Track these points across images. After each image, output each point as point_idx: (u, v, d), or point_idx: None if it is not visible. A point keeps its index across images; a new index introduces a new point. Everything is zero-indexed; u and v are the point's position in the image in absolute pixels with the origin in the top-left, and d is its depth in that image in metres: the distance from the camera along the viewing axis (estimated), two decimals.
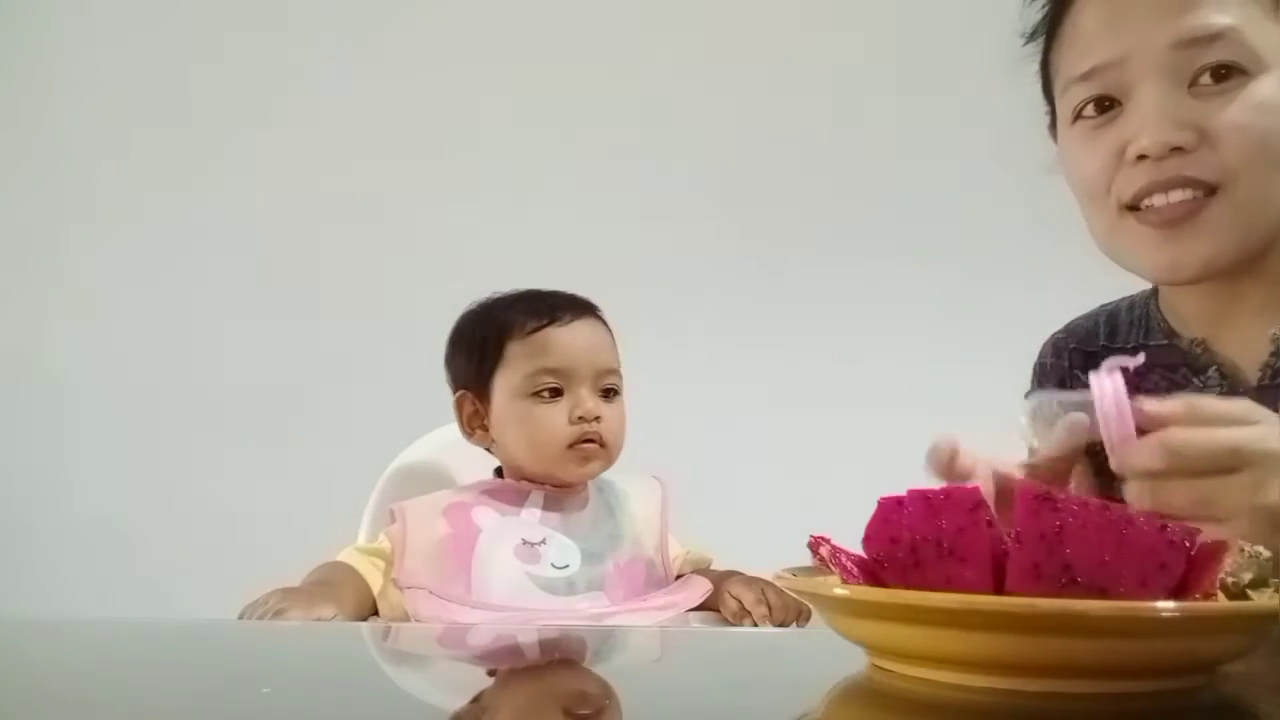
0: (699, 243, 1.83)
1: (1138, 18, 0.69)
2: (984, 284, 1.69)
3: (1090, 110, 0.72)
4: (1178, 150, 0.66)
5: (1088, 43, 0.72)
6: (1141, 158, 0.68)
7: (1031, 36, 0.80)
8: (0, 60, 2.04)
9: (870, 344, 1.75)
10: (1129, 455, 0.47)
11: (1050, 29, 0.77)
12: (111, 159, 1.99)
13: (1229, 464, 0.45)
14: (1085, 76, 0.71)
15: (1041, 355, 0.89)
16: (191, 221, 1.96)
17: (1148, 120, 0.67)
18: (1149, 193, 0.68)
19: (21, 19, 2.04)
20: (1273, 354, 0.71)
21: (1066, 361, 0.86)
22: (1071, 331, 0.87)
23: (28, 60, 2.04)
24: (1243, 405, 0.49)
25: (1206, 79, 0.67)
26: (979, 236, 1.71)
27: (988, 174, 1.63)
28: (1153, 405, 0.49)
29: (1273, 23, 0.68)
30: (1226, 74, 0.67)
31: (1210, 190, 0.67)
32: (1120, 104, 0.70)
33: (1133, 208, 0.69)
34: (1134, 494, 0.46)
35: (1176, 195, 0.67)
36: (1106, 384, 0.52)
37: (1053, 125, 0.80)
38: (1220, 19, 0.67)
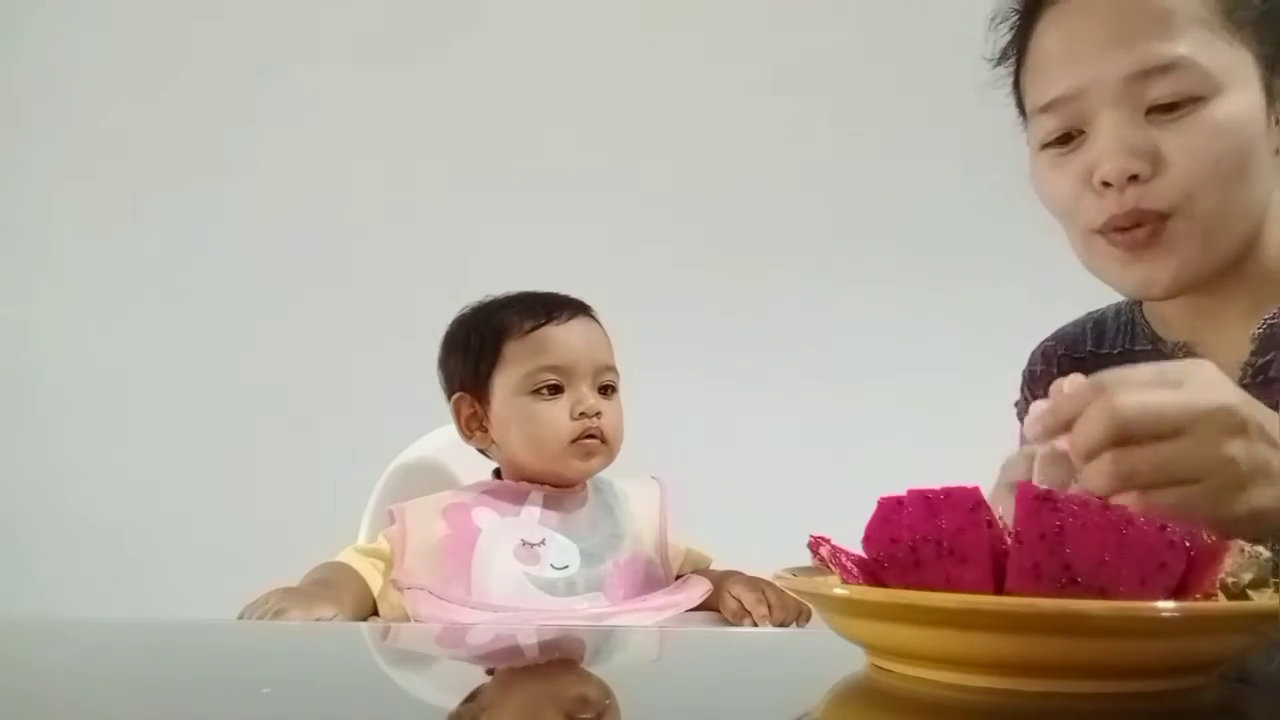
0: (698, 243, 1.83)
1: (1092, 50, 0.71)
2: (984, 285, 1.69)
3: (1054, 140, 0.74)
4: (1134, 179, 0.68)
5: (1048, 74, 0.74)
6: (1106, 185, 0.69)
7: (1001, 59, 0.82)
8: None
9: (870, 344, 1.75)
10: (1076, 437, 0.48)
11: (1018, 52, 0.79)
12: (107, 158, 1.99)
13: (1172, 426, 0.46)
14: (1047, 109, 0.73)
15: (1031, 363, 0.90)
16: (191, 221, 1.96)
17: (1108, 149, 0.69)
18: (1114, 226, 0.70)
19: (24, 18, 2.04)
20: (1253, 352, 0.73)
21: (1055, 369, 0.87)
22: (1060, 339, 0.89)
23: (26, 58, 2.04)
24: (1165, 368, 0.51)
25: (1162, 108, 0.69)
26: (978, 239, 1.71)
27: (987, 176, 1.63)
28: (1074, 383, 0.50)
29: (1223, 42, 0.69)
30: (1181, 101, 0.68)
31: (1160, 220, 0.69)
32: (1084, 132, 0.72)
33: (1100, 232, 0.71)
34: (1093, 473, 0.46)
35: (1140, 233, 0.69)
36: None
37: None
38: (1170, 49, 0.68)
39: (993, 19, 0.82)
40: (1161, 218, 0.69)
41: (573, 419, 1.04)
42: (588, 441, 1.05)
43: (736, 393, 1.77)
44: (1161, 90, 0.68)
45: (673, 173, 1.86)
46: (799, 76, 1.85)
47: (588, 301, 1.13)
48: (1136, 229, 0.69)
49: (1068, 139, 0.73)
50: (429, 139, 1.92)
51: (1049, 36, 0.74)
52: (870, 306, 1.78)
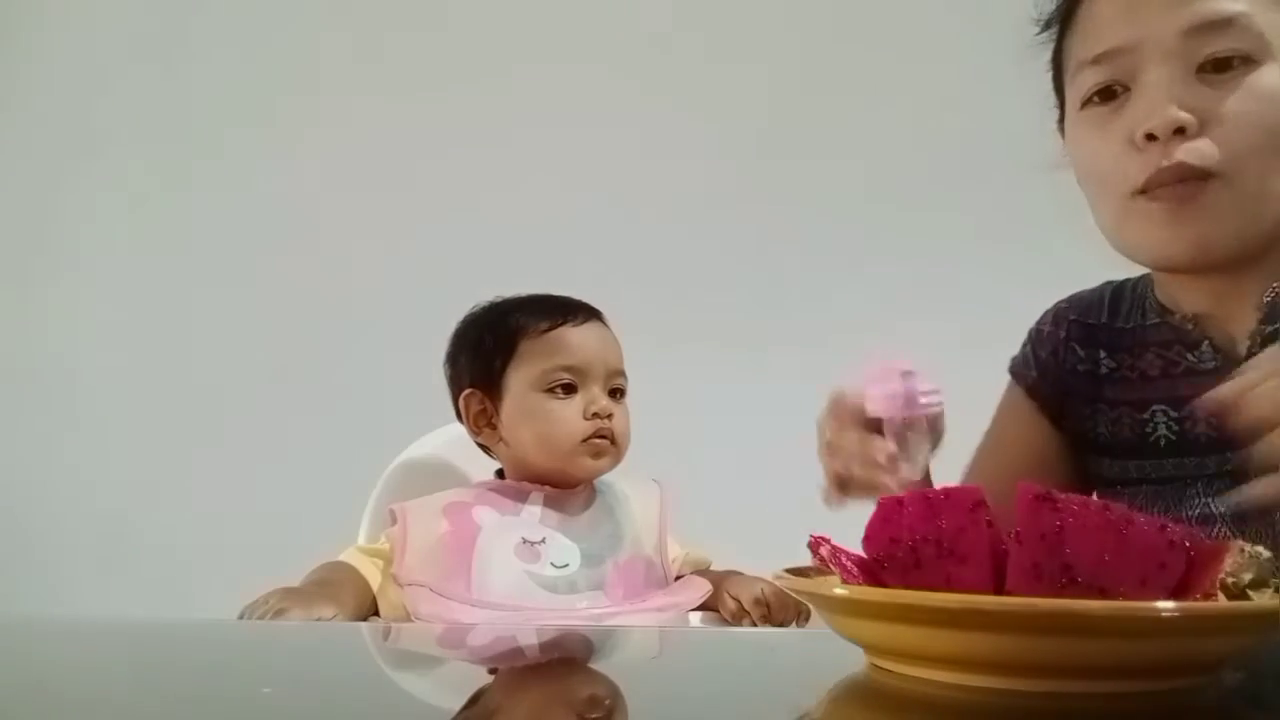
0: (697, 244, 1.83)
1: (1152, 4, 0.70)
2: (986, 285, 1.69)
3: (1097, 98, 0.73)
4: (1180, 133, 0.67)
5: (1101, 28, 0.73)
6: (1150, 138, 0.69)
7: (1047, 25, 0.81)
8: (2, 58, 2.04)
9: (870, 344, 1.75)
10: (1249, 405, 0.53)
11: (1065, 18, 0.78)
12: (107, 157, 1.99)
13: None
14: (1096, 60, 0.72)
15: (1040, 321, 0.90)
16: (193, 220, 1.96)
17: (1156, 101, 0.69)
18: (1159, 183, 0.69)
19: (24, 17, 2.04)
20: (1260, 320, 0.73)
21: (1064, 331, 0.86)
22: (1074, 302, 0.88)
23: (31, 54, 2.04)
24: None
25: (1214, 65, 0.68)
26: (980, 236, 1.71)
27: (989, 172, 1.63)
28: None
29: (1275, 8, 0.69)
30: (1234, 61, 0.68)
31: (1205, 177, 0.68)
32: (1128, 89, 0.71)
33: (1143, 191, 0.70)
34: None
35: (1182, 190, 0.68)
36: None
37: (1061, 120, 0.81)
38: (1232, 5, 0.68)
39: None
40: (1203, 177, 0.68)
41: (585, 419, 1.05)
42: (598, 441, 1.05)
43: (737, 393, 1.77)
44: (1216, 46, 0.68)
45: (674, 172, 1.86)
46: (799, 75, 1.84)
47: (590, 301, 1.13)
48: (1178, 185, 0.68)
49: (1110, 96, 0.72)
50: (429, 138, 1.92)
51: (1104, 1, 0.74)
52: (871, 306, 1.78)
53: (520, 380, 1.07)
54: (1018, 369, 0.90)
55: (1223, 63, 0.68)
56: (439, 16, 1.94)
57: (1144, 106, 0.69)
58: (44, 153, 2.02)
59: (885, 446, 0.70)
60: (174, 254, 1.96)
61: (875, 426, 0.72)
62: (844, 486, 0.73)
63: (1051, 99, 0.83)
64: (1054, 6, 0.80)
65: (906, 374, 0.71)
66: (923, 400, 0.71)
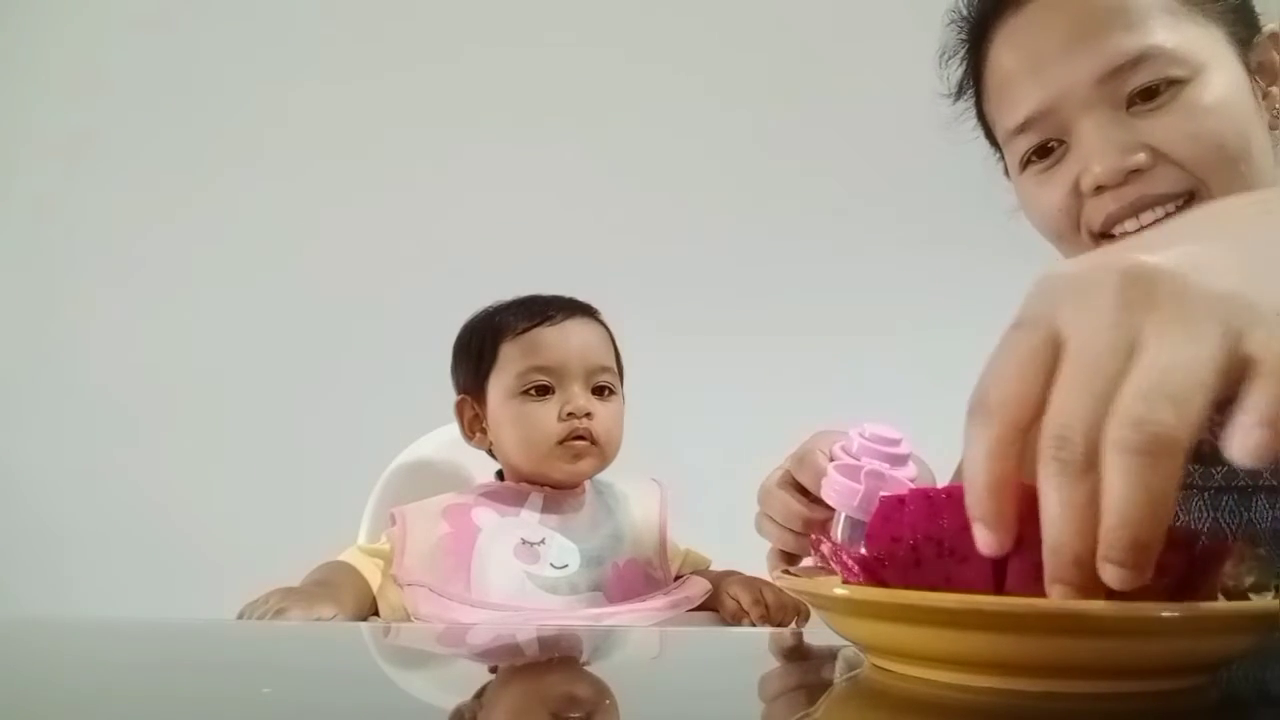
0: (698, 244, 1.83)
1: (1054, 58, 0.67)
2: (988, 284, 1.68)
3: (1035, 158, 0.71)
4: (1135, 174, 0.65)
5: (1014, 94, 0.70)
6: (1099, 189, 0.66)
7: (959, 93, 0.79)
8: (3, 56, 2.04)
9: (871, 344, 1.75)
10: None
11: (975, 83, 0.77)
12: (109, 156, 2.00)
13: None
14: (1022, 128, 0.70)
15: None
16: (192, 220, 1.96)
17: (1095, 151, 0.66)
18: (1119, 219, 0.67)
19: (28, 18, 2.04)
20: None
21: None
22: None
23: (32, 56, 2.04)
24: None
25: (1139, 100, 0.66)
26: (982, 234, 1.70)
27: (990, 168, 1.63)
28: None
29: (1191, 24, 0.66)
30: (1160, 88, 0.65)
31: (1183, 201, 0.65)
32: (1064, 142, 0.69)
33: (1107, 235, 0.68)
34: None
35: (1148, 216, 0.66)
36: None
37: (1007, 171, 0.79)
38: (1137, 40, 0.65)
39: (941, 55, 0.78)
40: (1178, 201, 0.65)
41: (561, 419, 1.04)
42: (576, 443, 1.04)
43: (738, 393, 1.77)
44: (1136, 80, 0.65)
45: (675, 171, 1.86)
46: (799, 74, 1.85)
47: (588, 301, 1.13)
48: (1147, 225, 0.65)
49: (1047, 152, 0.70)
50: (431, 138, 1.92)
51: (1005, 57, 0.71)
52: (873, 306, 1.78)
53: (499, 384, 1.07)
54: None
55: (1149, 91, 0.65)
56: (440, 13, 1.94)
57: (1084, 157, 0.67)
58: (44, 153, 2.02)
59: (825, 525, 0.68)
60: (174, 254, 1.96)
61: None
62: (789, 559, 0.73)
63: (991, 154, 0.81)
64: (960, 73, 0.78)
65: (874, 475, 0.67)
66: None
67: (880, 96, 1.82)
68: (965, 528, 0.38)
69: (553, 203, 1.88)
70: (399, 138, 1.93)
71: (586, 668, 0.55)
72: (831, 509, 0.68)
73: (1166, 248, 0.32)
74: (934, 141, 1.84)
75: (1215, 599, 0.39)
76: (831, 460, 0.68)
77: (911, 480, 0.67)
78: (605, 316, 1.13)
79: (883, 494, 0.66)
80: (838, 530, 0.68)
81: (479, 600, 0.97)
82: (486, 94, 1.92)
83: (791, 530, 0.72)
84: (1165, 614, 0.34)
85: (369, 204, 1.92)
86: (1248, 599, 0.40)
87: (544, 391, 1.05)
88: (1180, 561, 0.37)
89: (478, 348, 1.09)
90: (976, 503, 0.33)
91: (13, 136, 2.01)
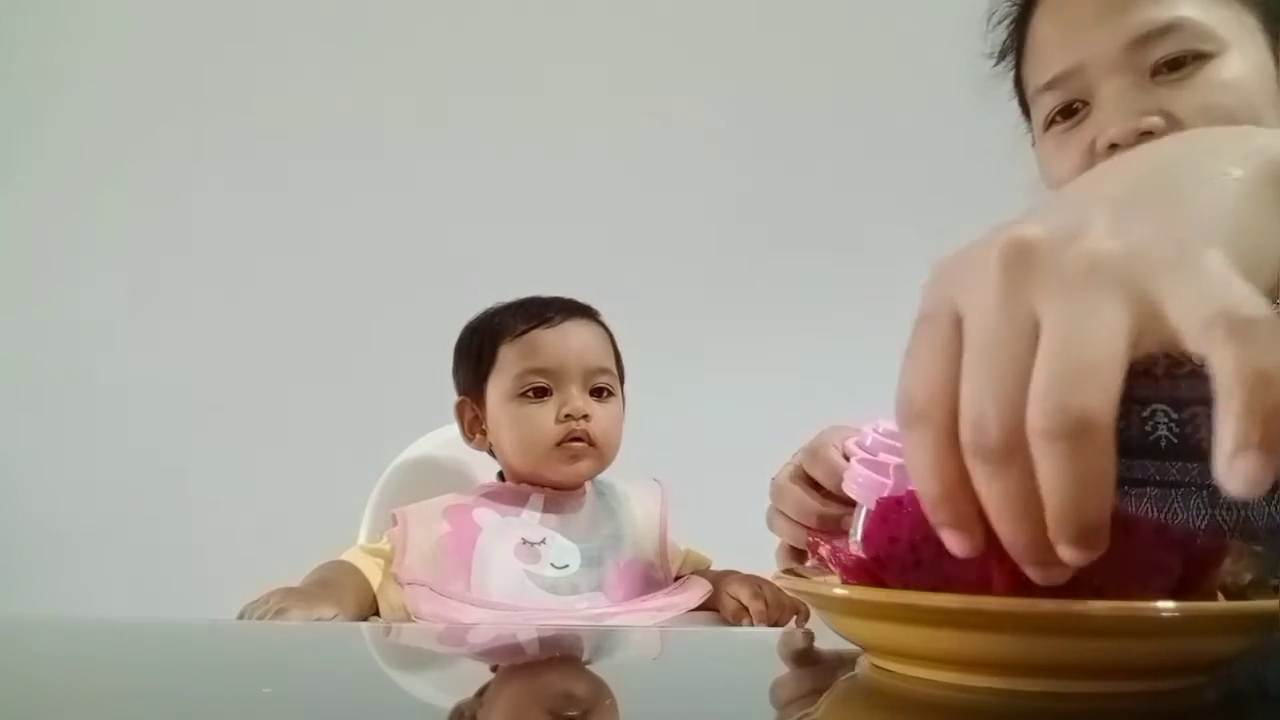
0: (699, 243, 1.83)
1: (1087, 25, 0.70)
2: None
3: (1059, 117, 0.73)
4: (1147, 135, 0.66)
5: (1046, 54, 0.73)
6: (1113, 148, 0.68)
7: (1001, 56, 0.81)
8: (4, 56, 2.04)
9: (871, 344, 1.75)
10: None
11: (1017, 45, 0.79)
12: (109, 156, 2.00)
13: None
14: (1049, 85, 0.72)
15: None
16: (192, 220, 1.96)
17: (1114, 112, 0.68)
18: None
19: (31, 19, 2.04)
20: None
21: None
22: None
23: (36, 58, 2.04)
24: None
25: (1165, 69, 0.68)
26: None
27: (994, 163, 1.63)
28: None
29: (1222, 3, 0.68)
30: (1185, 60, 0.67)
31: None
32: (1088, 104, 0.71)
33: None
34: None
35: None
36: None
37: (1034, 141, 0.81)
38: (1168, 12, 0.67)
39: (990, 17, 0.82)
40: None
41: (558, 421, 1.04)
42: (574, 445, 1.04)
43: (738, 392, 1.77)
44: (1164, 50, 0.67)
45: (675, 170, 1.86)
46: (799, 74, 1.84)
47: (590, 302, 1.13)
48: None
49: (1071, 112, 0.72)
50: (428, 139, 1.92)
51: (1045, 20, 0.74)
52: (873, 306, 1.77)
53: (497, 386, 1.07)
54: None
55: (1176, 62, 0.67)
56: (440, 16, 1.94)
57: (1104, 117, 0.69)
58: (44, 152, 2.02)
59: (840, 521, 0.68)
60: (175, 254, 1.96)
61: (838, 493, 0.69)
62: (799, 556, 0.73)
63: (1022, 124, 0.83)
64: (1005, 36, 0.80)
65: (902, 469, 0.67)
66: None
67: (881, 97, 1.82)
68: None
69: (554, 202, 1.88)
70: (399, 137, 1.93)
71: (587, 667, 0.55)
72: (846, 504, 0.68)
73: (1046, 217, 0.31)
74: (935, 143, 1.84)
75: (1214, 598, 0.39)
76: (846, 457, 0.68)
77: None
78: (607, 317, 1.13)
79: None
80: (858, 525, 0.67)
81: (479, 600, 0.97)
82: (486, 93, 1.92)
83: (804, 525, 0.72)
84: (1164, 614, 0.34)
85: (369, 203, 1.92)
86: (1246, 598, 0.40)
87: (542, 393, 1.05)
88: (1178, 561, 0.37)
89: (477, 349, 1.10)
90: (937, 509, 0.32)
91: (13, 136, 2.01)
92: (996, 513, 0.30)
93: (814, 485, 0.72)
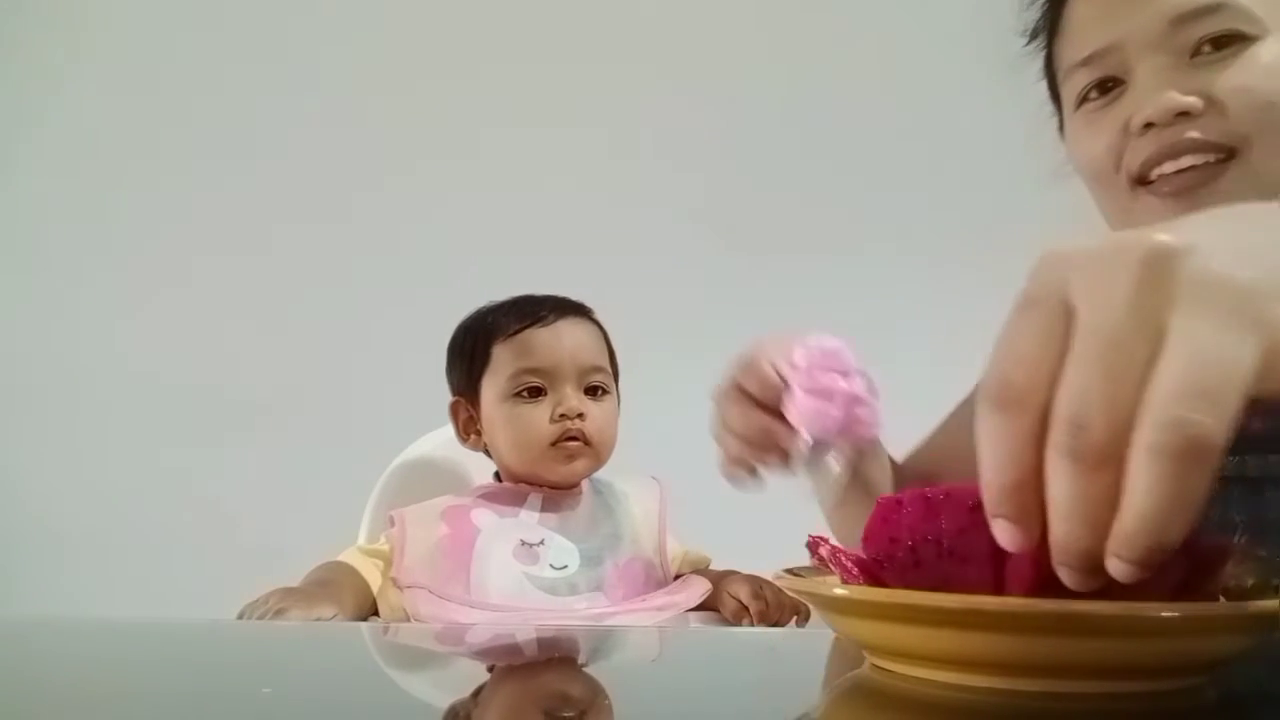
0: (696, 242, 1.83)
1: (1129, 3, 0.68)
2: (989, 280, 1.68)
3: (1094, 93, 0.71)
4: (1184, 116, 0.65)
5: (1086, 30, 0.71)
6: (1148, 126, 0.66)
7: (1033, 35, 0.80)
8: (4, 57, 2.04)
9: (869, 343, 1.75)
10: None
11: (1050, 24, 0.77)
12: (101, 153, 1.99)
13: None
14: (1085, 62, 0.71)
15: None
16: (190, 220, 1.96)
17: (1151, 90, 0.66)
18: (1158, 161, 0.67)
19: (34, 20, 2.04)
20: None
21: None
22: None
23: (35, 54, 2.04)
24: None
25: (1208, 48, 0.66)
26: (983, 230, 1.70)
27: (991, 165, 1.63)
28: None
29: None
30: (1227, 41, 0.66)
31: (1223, 156, 0.65)
32: (1123, 82, 0.69)
33: (1144, 181, 0.68)
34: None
35: (1187, 160, 0.66)
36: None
37: (1061, 128, 0.79)
38: None
39: None
40: (1221, 155, 0.65)
41: (553, 421, 1.03)
42: (569, 444, 1.04)
43: None
44: (1207, 29, 0.65)
45: (673, 168, 1.86)
46: (799, 73, 1.84)
47: (587, 300, 1.13)
48: (1189, 170, 0.65)
49: (1105, 90, 0.70)
50: (428, 139, 1.92)
51: (1082, 3, 0.72)
52: (871, 305, 1.77)
53: (492, 386, 1.06)
54: None
55: (1218, 41, 0.66)
56: (435, 14, 1.94)
57: (1140, 95, 0.67)
58: (45, 152, 2.02)
59: (791, 444, 0.66)
60: (175, 254, 1.96)
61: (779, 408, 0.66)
62: (747, 470, 0.71)
63: (1046, 108, 0.82)
64: (1039, 15, 0.79)
65: (852, 399, 0.64)
66: (862, 428, 0.64)
67: (880, 98, 1.82)
68: (964, 529, 0.38)
69: (551, 200, 1.88)
70: (397, 137, 1.92)
71: (585, 668, 0.55)
72: (781, 417, 0.65)
73: (1188, 232, 0.30)
74: (935, 142, 1.84)
75: (1216, 599, 0.39)
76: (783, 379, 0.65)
77: (866, 397, 0.64)
78: (606, 315, 1.13)
79: (861, 420, 0.62)
80: (800, 454, 0.65)
81: (478, 602, 0.97)
82: (485, 92, 1.92)
83: (750, 443, 0.70)
84: (1165, 614, 0.34)
85: (368, 203, 1.92)
86: (1248, 599, 0.40)
87: (536, 393, 1.05)
88: (1181, 561, 0.37)
89: (470, 349, 1.09)
90: (1002, 500, 0.30)
91: (13, 136, 2.01)
92: (1065, 514, 0.29)
93: (750, 399, 0.70)
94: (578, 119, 1.89)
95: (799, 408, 0.63)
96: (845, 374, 0.65)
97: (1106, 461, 0.28)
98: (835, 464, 0.68)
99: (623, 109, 1.88)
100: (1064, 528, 0.29)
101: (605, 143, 1.88)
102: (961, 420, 0.88)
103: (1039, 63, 0.81)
